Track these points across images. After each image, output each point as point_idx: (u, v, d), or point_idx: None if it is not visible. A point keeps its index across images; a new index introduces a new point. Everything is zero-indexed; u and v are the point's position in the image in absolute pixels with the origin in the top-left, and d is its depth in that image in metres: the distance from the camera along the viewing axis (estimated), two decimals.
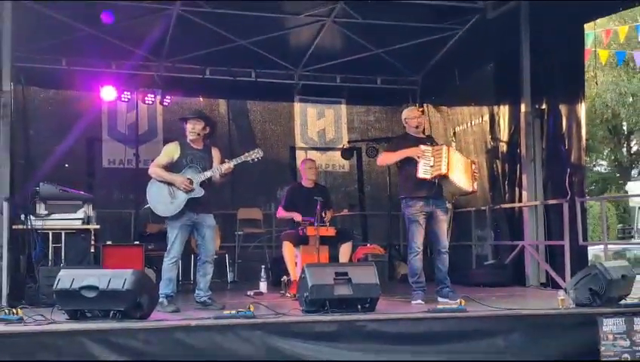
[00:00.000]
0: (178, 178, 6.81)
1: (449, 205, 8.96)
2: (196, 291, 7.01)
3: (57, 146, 9.51)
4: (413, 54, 10.70)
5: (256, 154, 7.10)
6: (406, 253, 8.39)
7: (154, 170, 6.92)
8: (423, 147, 6.94)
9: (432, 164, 6.88)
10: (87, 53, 9.78)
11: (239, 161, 7.02)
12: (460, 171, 7.05)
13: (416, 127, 7.36)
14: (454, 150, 7.26)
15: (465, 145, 10.50)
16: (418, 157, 6.92)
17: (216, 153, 7.11)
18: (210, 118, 7.53)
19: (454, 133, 10.59)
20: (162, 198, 6.86)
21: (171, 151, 6.99)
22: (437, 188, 7.05)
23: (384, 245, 10.14)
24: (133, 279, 5.43)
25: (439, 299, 6.93)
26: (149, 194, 6.94)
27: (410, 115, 7.44)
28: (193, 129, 7.01)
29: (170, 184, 6.83)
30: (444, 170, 6.82)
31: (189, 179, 6.82)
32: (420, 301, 6.92)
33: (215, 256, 7.55)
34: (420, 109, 7.95)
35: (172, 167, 6.91)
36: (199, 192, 6.83)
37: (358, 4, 9.18)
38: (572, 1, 7.98)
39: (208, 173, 6.88)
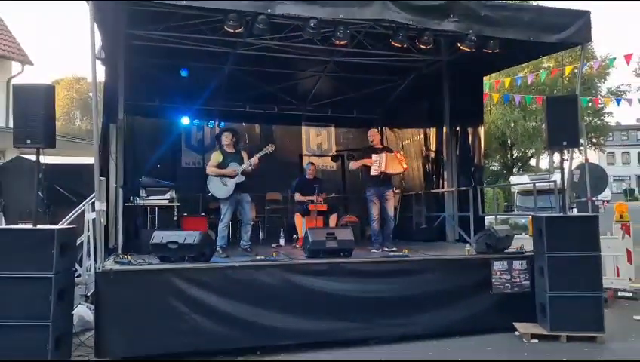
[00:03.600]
0: (228, 171, 7.00)
1: (397, 191, 9.08)
2: (241, 242, 7.19)
3: (153, 154, 9.54)
4: (377, 96, 10.66)
5: (270, 148, 7.31)
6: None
7: (211, 169, 7.10)
8: (374, 157, 7.35)
9: (378, 165, 7.27)
10: (171, 95, 9.77)
11: (261, 154, 7.18)
12: (392, 165, 7.34)
13: (372, 141, 7.72)
14: (390, 154, 7.47)
15: (408, 153, 10.43)
16: (371, 164, 7.33)
17: (244, 154, 7.25)
18: (235, 130, 7.68)
19: (402, 146, 10.53)
20: (218, 187, 7.03)
21: (217, 157, 7.18)
22: (384, 179, 7.38)
23: (357, 216, 10.20)
24: (200, 237, 5.60)
25: (384, 249, 7.13)
26: (209, 186, 7.11)
27: (370, 134, 7.83)
28: (226, 139, 7.25)
29: (222, 176, 7.00)
30: (382, 168, 7.27)
31: (234, 169, 7.01)
32: (374, 249, 7.14)
33: (252, 222, 7.70)
34: (376, 130, 8.00)
35: (219, 166, 7.08)
36: (241, 178, 7.00)
37: (343, 64, 9.18)
38: (474, 65, 8.03)
39: (244, 166, 7.03)
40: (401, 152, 7.53)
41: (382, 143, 8.04)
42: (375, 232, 7.41)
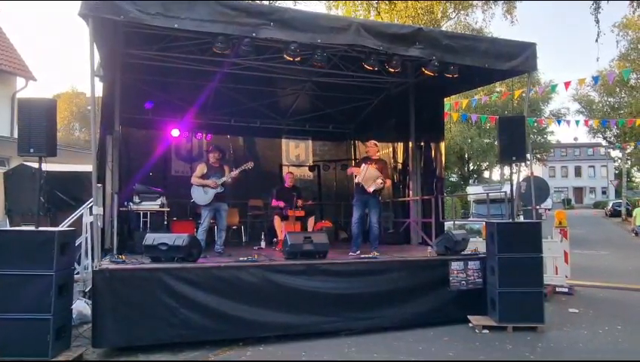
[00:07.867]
0: (209, 182, 7.02)
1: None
2: (215, 246, 7.12)
3: (145, 163, 9.37)
4: (350, 112, 10.74)
5: (249, 165, 7.30)
6: (345, 226, 8.47)
7: (195, 179, 7.11)
8: (362, 166, 7.14)
9: (359, 176, 7.09)
10: (162, 109, 9.65)
11: (240, 170, 7.20)
12: (369, 180, 7.01)
13: (367, 152, 7.50)
14: (373, 168, 7.10)
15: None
16: (357, 173, 7.16)
17: (227, 168, 7.25)
18: (222, 149, 7.63)
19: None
20: (200, 194, 7.04)
21: (202, 169, 7.18)
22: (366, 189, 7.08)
23: (332, 221, 10.19)
24: (188, 239, 5.54)
25: (372, 253, 6.68)
26: (193, 194, 7.12)
27: (368, 145, 7.54)
28: (213, 157, 7.25)
29: (204, 186, 7.00)
30: (359, 180, 7.09)
31: (215, 181, 6.98)
32: (352, 253, 6.94)
33: (233, 227, 7.56)
34: (374, 143, 7.52)
35: (202, 177, 7.07)
36: (220, 189, 7.02)
37: (320, 83, 9.24)
38: (437, 87, 8.15)
39: (224, 179, 7.06)
40: (383, 178, 7.15)
41: (376, 155, 7.52)
42: (354, 235, 7.18)
